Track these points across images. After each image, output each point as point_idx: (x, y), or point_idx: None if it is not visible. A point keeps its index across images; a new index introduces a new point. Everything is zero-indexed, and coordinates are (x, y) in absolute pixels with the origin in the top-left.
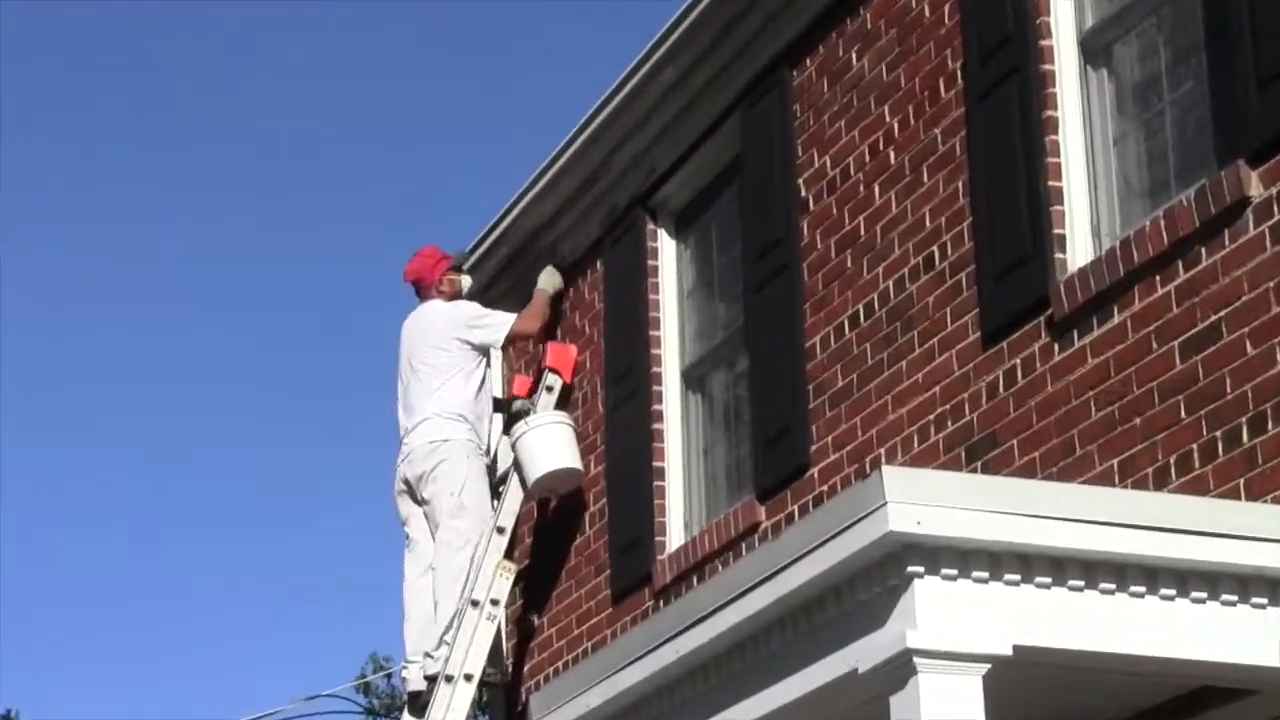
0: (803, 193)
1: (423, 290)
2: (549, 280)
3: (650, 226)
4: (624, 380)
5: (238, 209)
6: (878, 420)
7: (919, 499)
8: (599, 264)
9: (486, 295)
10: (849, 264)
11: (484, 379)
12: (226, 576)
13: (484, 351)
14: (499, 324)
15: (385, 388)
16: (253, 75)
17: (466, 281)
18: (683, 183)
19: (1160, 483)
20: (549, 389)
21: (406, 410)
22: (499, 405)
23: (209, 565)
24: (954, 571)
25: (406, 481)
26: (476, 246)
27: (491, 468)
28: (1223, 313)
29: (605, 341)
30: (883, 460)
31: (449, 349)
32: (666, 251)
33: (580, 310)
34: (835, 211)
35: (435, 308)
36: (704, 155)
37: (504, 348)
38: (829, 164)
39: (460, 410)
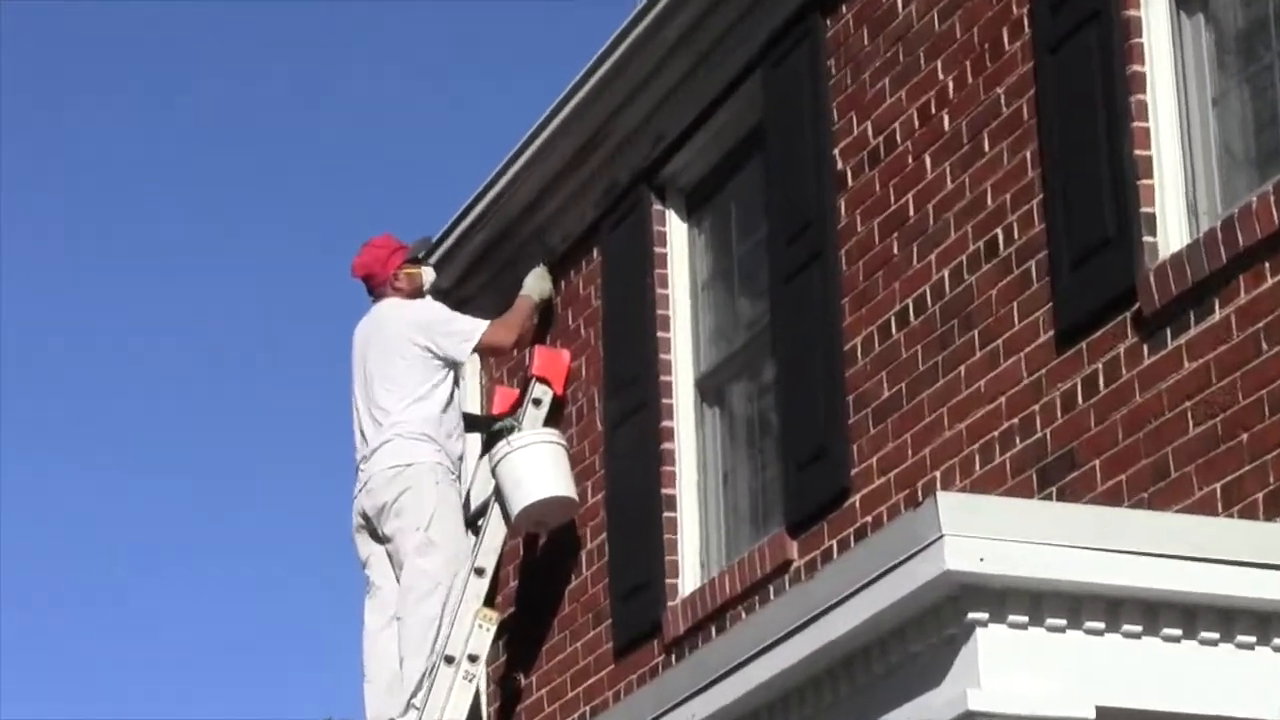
0: (839, 165)
1: (375, 288)
2: (536, 285)
3: (657, 207)
4: (627, 391)
5: (174, 194)
6: (932, 437)
7: (982, 531)
8: (596, 252)
9: (459, 293)
10: (895, 251)
11: (454, 390)
12: (153, 629)
13: (451, 361)
14: (466, 332)
15: (339, 405)
16: (185, 39)
17: (428, 275)
18: (695, 154)
19: (1272, 511)
20: (536, 402)
21: (363, 432)
22: (476, 422)
23: (130, 620)
24: (1024, 618)
25: (365, 515)
26: (448, 233)
27: (467, 496)
28: None
29: (604, 345)
30: (938, 485)
31: (408, 356)
32: (677, 237)
33: (574, 308)
34: (878, 188)
35: (391, 308)
36: (720, 121)
37: (483, 360)
38: (870, 131)
39: (425, 428)
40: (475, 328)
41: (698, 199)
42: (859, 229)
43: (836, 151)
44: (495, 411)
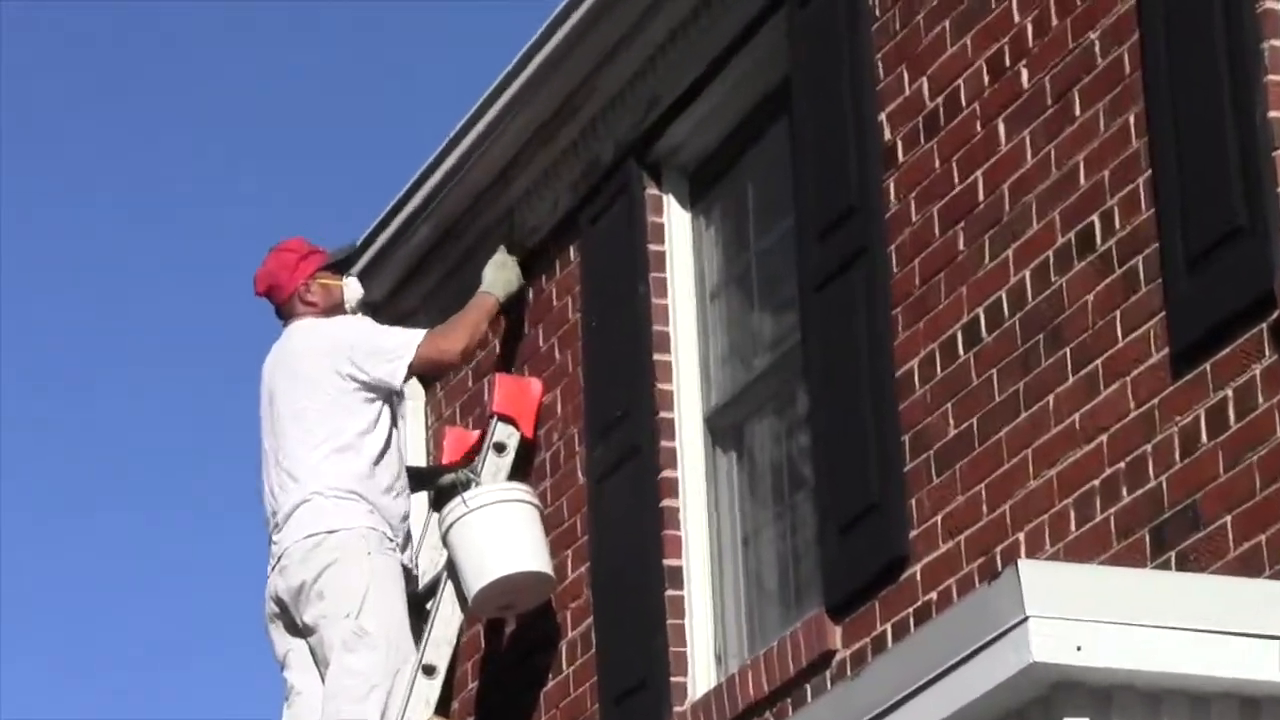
0: (887, 135)
1: (282, 305)
2: (499, 276)
3: (651, 191)
4: (616, 432)
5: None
6: (1011, 488)
7: (1079, 611)
8: (572, 252)
9: (395, 306)
10: (961, 246)
11: (391, 433)
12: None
13: (385, 391)
14: (398, 348)
15: (243, 455)
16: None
17: (353, 288)
18: (700, 122)
19: None
20: (499, 447)
21: (274, 492)
22: (422, 476)
23: None
24: None
25: (280, 600)
26: (380, 228)
27: (411, 572)
28: None
29: (586, 371)
30: (1021, 551)
31: (327, 390)
32: (678, 230)
33: (546, 324)
34: (937, 163)
35: (302, 331)
36: (732, 79)
37: (428, 385)
38: (926, 90)
39: (355, 484)
40: (409, 340)
41: (704, 180)
42: (913, 218)
43: (883, 117)
44: (446, 461)
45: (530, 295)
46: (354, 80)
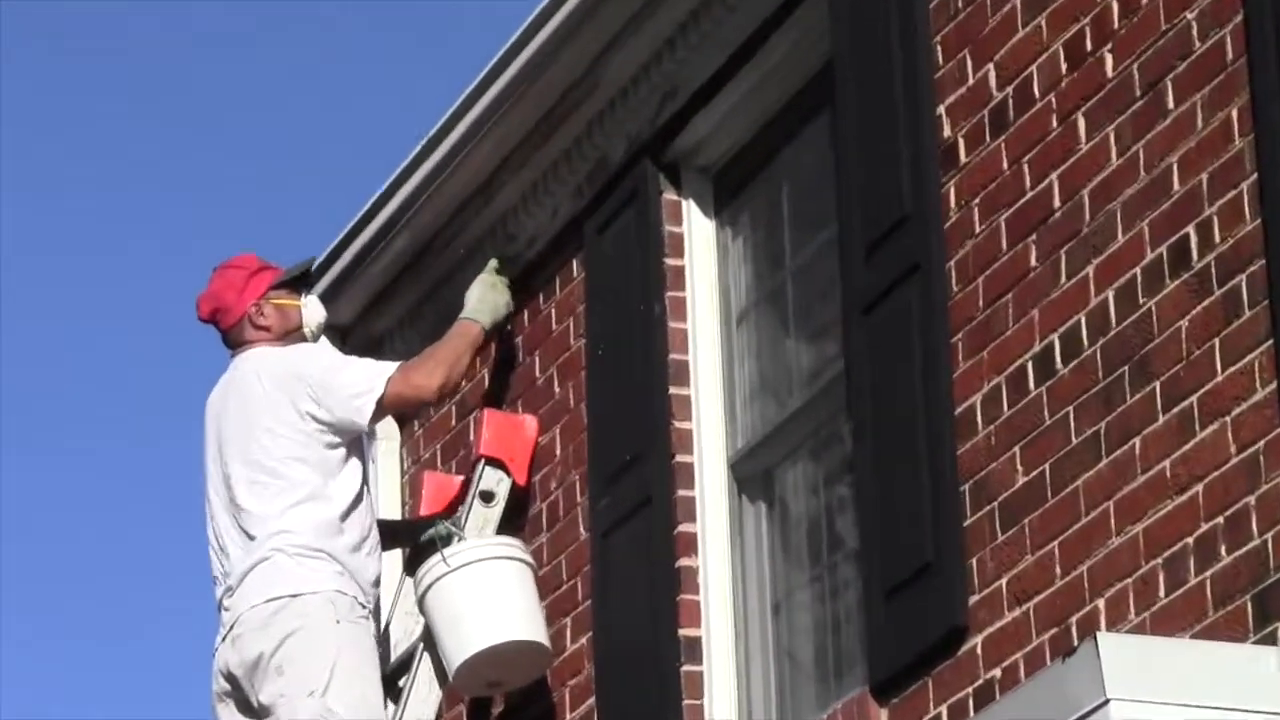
0: (946, 131)
1: (229, 330)
2: (486, 298)
3: (669, 196)
4: (625, 479)
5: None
6: (1090, 546)
7: (1168, 692)
8: (575, 266)
9: (364, 330)
10: (1033, 261)
11: (361, 481)
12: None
13: (352, 432)
14: (366, 380)
15: (188, 510)
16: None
17: (313, 310)
18: (726, 116)
19: None
20: (486, 496)
21: (224, 548)
22: (397, 531)
23: None
24: None
25: (231, 676)
26: (347, 241)
27: (384, 642)
28: None
29: (590, 408)
30: (1101, 621)
31: (286, 431)
32: (699, 241)
33: (544, 351)
34: (1005, 164)
35: (253, 361)
36: (763, 65)
37: (403, 423)
38: (993, 79)
39: (319, 541)
40: (378, 373)
41: (731, 183)
42: (977, 228)
43: (942, 110)
44: (424, 512)
45: (525, 318)
46: (319, 73)
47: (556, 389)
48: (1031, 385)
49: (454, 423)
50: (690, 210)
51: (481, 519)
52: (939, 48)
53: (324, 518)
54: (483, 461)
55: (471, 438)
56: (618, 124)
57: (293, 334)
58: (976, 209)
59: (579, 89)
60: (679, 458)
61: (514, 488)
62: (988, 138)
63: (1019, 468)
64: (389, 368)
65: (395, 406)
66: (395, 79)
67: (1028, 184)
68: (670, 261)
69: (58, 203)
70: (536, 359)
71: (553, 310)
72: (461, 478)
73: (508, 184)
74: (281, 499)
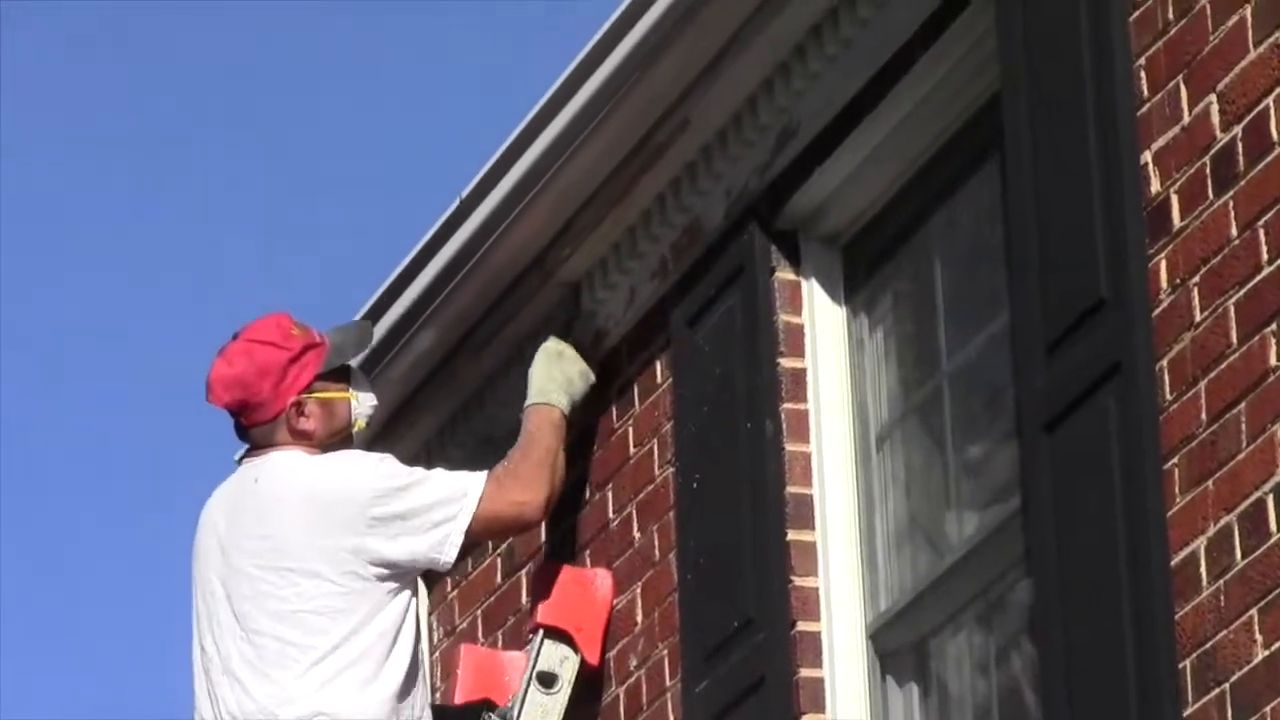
0: (1154, 185)
1: (255, 424)
2: (552, 368)
3: (783, 274)
4: (731, 654)
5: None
6: None
7: None
8: (660, 368)
9: (389, 444)
10: (1272, 359)
11: (416, 639)
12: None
13: (414, 575)
14: (450, 500)
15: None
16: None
17: (364, 402)
18: (859, 166)
19: None
20: (545, 680)
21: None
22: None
23: None
24: None
25: None
26: (380, 309)
27: None
28: None
29: (682, 560)
30: None
31: (331, 573)
32: (825, 333)
33: (617, 483)
34: (1234, 230)
35: (289, 474)
36: (908, 97)
37: (432, 580)
38: (1216, 115)
39: None
40: (463, 489)
41: (866, 258)
42: (1196, 316)
43: (1148, 157)
44: (464, 699)
45: (595, 439)
46: (322, 121)
47: (636, 535)
48: (1274, 525)
49: (499, 580)
50: (813, 293)
51: (541, 709)
52: (1144, 74)
53: (380, 692)
54: (541, 633)
55: (525, 601)
56: (714, 179)
57: (338, 435)
58: (1196, 291)
59: (659, 132)
60: (800, 625)
61: (582, 667)
62: (1210, 194)
63: (1258, 637)
64: (475, 481)
65: (485, 536)
66: (428, 115)
67: (1264, 256)
68: (786, 363)
69: (60, 206)
70: (609, 494)
71: (630, 429)
72: (513, 655)
73: (567, 260)
74: (324, 667)
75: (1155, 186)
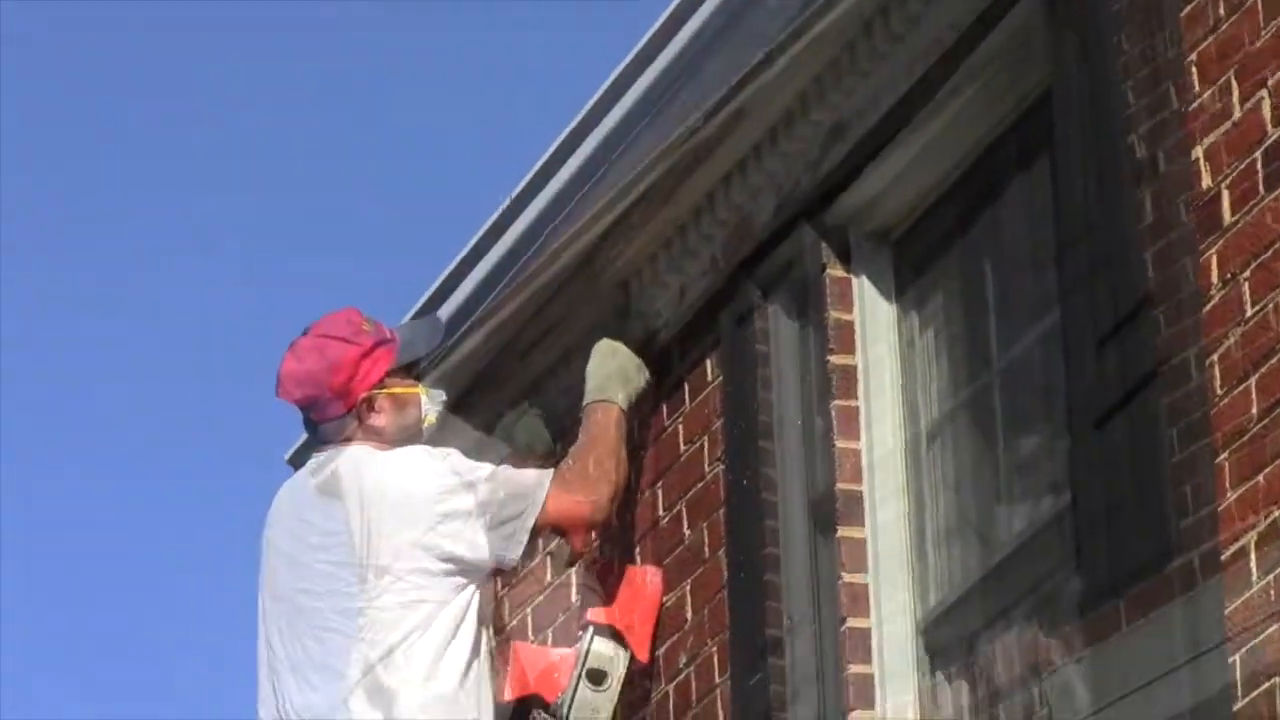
0: (1205, 182)
1: (326, 421)
2: (608, 365)
3: (833, 271)
4: (781, 651)
5: None
6: None
7: None
8: (710, 367)
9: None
10: None
11: (477, 644)
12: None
13: (479, 578)
14: (518, 498)
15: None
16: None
17: (434, 399)
18: (910, 163)
19: None
20: (595, 678)
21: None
22: None
23: None
24: None
25: None
26: (430, 309)
27: None
28: None
29: (731, 558)
30: None
31: (406, 572)
32: (875, 331)
33: (668, 481)
34: None
35: (357, 471)
36: (957, 99)
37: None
38: (1268, 111)
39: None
40: (530, 487)
41: (916, 255)
42: (1248, 311)
43: (1199, 153)
44: (511, 697)
45: (645, 437)
46: (372, 121)
47: (686, 531)
48: None
49: (549, 577)
50: (864, 291)
51: (591, 707)
52: (1195, 69)
53: (442, 687)
54: (591, 630)
55: (574, 598)
56: (764, 176)
57: (407, 432)
58: (1247, 286)
59: (713, 126)
60: (851, 622)
61: (632, 664)
62: (1262, 190)
63: None
64: (542, 480)
65: (554, 530)
66: (479, 115)
67: None
68: (836, 360)
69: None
70: (659, 492)
71: (680, 427)
72: (561, 652)
73: (614, 260)
74: (397, 666)
75: (1206, 182)
